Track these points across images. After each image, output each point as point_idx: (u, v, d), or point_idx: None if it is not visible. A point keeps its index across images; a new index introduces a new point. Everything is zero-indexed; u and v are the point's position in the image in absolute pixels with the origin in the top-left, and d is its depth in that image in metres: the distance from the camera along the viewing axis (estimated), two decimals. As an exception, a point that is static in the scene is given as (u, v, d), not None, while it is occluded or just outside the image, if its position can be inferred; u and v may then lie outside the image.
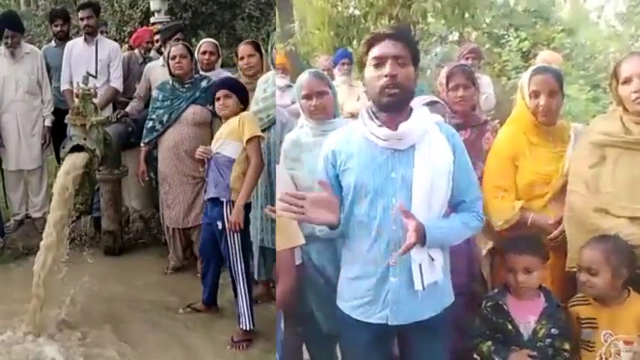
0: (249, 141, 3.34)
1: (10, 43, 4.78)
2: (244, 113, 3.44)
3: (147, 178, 4.38)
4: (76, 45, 5.06)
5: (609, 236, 2.43)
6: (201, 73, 4.42)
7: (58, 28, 5.29)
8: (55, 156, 4.82)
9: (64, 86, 4.98)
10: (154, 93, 4.30)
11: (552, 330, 2.45)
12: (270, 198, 3.68)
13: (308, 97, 2.81)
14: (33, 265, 3.53)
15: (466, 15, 8.67)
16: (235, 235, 3.37)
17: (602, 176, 2.55)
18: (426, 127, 2.13)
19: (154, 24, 7.28)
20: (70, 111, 4.01)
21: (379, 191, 2.08)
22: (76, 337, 3.49)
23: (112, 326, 3.63)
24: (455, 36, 9.09)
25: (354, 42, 8.13)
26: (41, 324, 3.49)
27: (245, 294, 3.44)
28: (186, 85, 4.18)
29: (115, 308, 3.87)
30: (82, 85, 3.96)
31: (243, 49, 4.13)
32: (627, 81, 2.51)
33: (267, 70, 3.99)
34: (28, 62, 4.90)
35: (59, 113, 4.87)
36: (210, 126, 4.16)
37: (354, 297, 2.20)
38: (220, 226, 3.39)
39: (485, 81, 4.95)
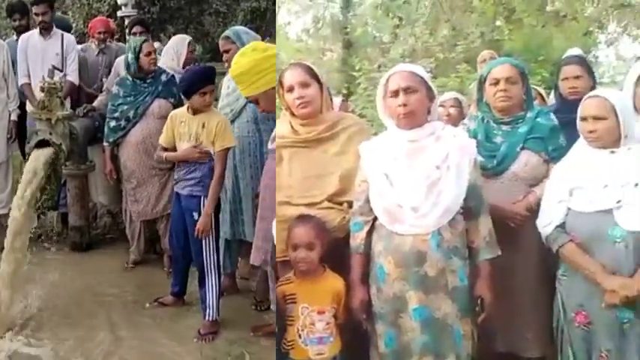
0: (226, 148, 3.42)
1: None
2: (222, 119, 3.46)
3: (115, 177, 4.39)
4: (32, 38, 4.99)
5: (309, 215, 2.68)
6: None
7: (17, 23, 5.22)
8: (20, 151, 4.80)
9: (22, 80, 4.90)
10: (114, 89, 4.29)
11: None
12: (237, 192, 3.76)
13: None
14: (-3, 261, 3.51)
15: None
16: (209, 227, 3.42)
17: (282, 173, 2.87)
18: None
19: (122, 17, 7.26)
20: (35, 105, 3.99)
21: None
22: (43, 333, 3.48)
23: (79, 321, 3.63)
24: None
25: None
26: (7, 321, 3.49)
27: (214, 286, 3.48)
28: (148, 80, 4.19)
29: (82, 304, 3.86)
30: (47, 79, 3.94)
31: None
32: (290, 89, 2.81)
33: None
34: (-7, 55, 4.83)
35: (24, 108, 4.84)
36: None
37: None
38: (196, 217, 3.43)
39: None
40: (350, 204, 2.68)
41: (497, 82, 2.82)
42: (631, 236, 2.30)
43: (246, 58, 2.43)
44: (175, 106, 4.01)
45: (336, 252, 2.69)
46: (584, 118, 2.49)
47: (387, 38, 11.36)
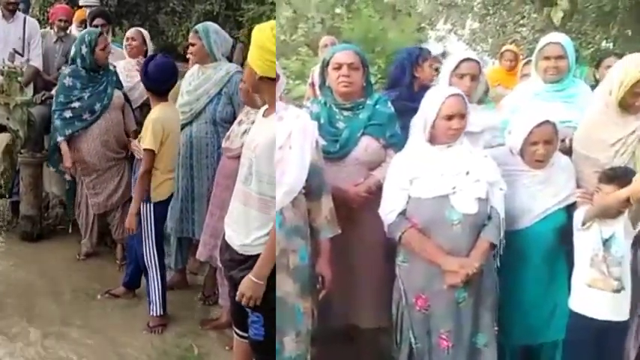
0: (145, 149, 3.37)
1: None
2: (153, 118, 3.36)
3: (73, 172, 4.19)
4: None
5: None
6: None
7: None
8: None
9: None
10: (68, 81, 4.10)
11: None
12: (191, 191, 3.78)
13: None
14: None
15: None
16: (151, 225, 3.45)
17: None
18: None
19: (80, 7, 7.18)
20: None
21: None
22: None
23: (27, 312, 3.62)
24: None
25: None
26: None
27: (157, 282, 3.51)
28: (101, 72, 4.16)
29: (32, 294, 3.84)
30: (7, 63, 3.91)
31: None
32: None
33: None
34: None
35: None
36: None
37: None
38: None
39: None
40: None
41: (339, 67, 2.86)
42: (466, 218, 2.51)
43: (266, 37, 2.39)
44: (125, 96, 4.11)
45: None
46: (450, 117, 2.57)
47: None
